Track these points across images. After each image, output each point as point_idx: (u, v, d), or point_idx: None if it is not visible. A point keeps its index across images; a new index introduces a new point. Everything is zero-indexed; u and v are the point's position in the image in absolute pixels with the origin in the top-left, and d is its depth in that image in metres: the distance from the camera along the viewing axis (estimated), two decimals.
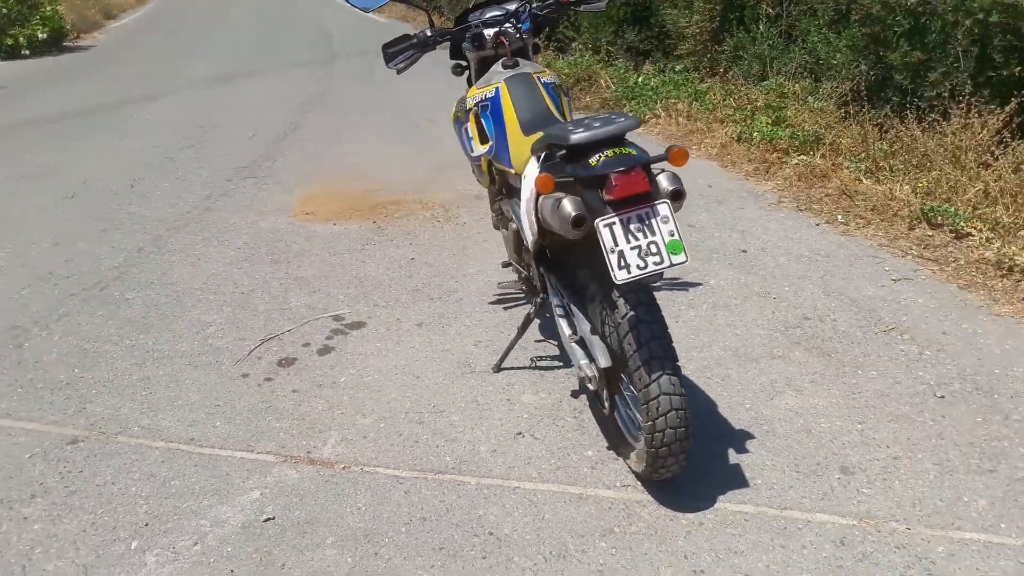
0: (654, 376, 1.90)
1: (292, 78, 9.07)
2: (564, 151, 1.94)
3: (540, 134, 2.20)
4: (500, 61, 2.71)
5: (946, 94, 5.08)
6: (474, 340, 3.01)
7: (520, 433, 2.45)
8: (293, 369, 2.81)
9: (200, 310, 3.24)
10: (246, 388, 2.69)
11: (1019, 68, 4.87)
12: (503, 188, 2.84)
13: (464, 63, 2.87)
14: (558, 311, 2.37)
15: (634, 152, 1.83)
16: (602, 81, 7.11)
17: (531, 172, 2.13)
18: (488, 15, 2.81)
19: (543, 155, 2.06)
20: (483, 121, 2.69)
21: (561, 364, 2.80)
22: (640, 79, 6.86)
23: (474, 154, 2.82)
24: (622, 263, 1.79)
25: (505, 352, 2.79)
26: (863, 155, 4.71)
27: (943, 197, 4.01)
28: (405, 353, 2.92)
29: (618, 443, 2.31)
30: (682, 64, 7.19)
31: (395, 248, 3.92)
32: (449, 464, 2.31)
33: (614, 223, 1.80)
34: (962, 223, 3.73)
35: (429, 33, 2.72)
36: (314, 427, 2.48)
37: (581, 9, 2.79)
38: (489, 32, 2.73)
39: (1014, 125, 4.52)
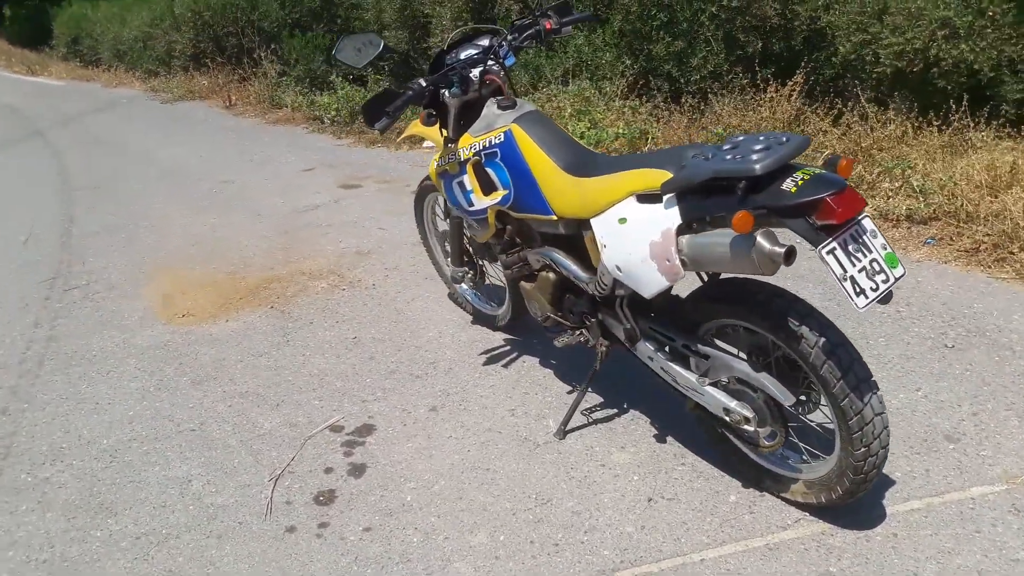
0: (866, 399, 1.81)
1: (6, 164, 7.61)
2: (706, 184, 1.77)
3: (626, 173, 2.00)
4: (495, 102, 2.43)
5: (707, 75, 5.60)
6: (508, 409, 2.70)
7: (651, 499, 2.23)
8: (340, 504, 2.31)
9: (159, 467, 2.54)
10: (307, 546, 2.15)
11: (761, 45, 5.51)
12: (515, 238, 2.56)
13: (434, 112, 2.53)
14: (662, 356, 2.18)
15: (819, 170, 1.71)
16: None
17: (651, 215, 1.91)
18: (464, 54, 2.50)
19: (671, 193, 1.86)
20: (490, 170, 2.40)
21: (616, 410, 2.62)
22: None
23: (475, 207, 2.51)
24: (857, 289, 1.67)
25: (568, 414, 2.54)
26: (704, 142, 5.02)
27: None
28: (449, 446, 2.54)
29: (761, 478, 2.19)
30: None
31: (325, 331, 3.41)
32: (614, 560, 2.03)
33: (835, 248, 1.67)
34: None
35: (424, 83, 2.36)
36: (431, 567, 2.04)
37: (562, 35, 2.59)
38: (475, 73, 2.43)
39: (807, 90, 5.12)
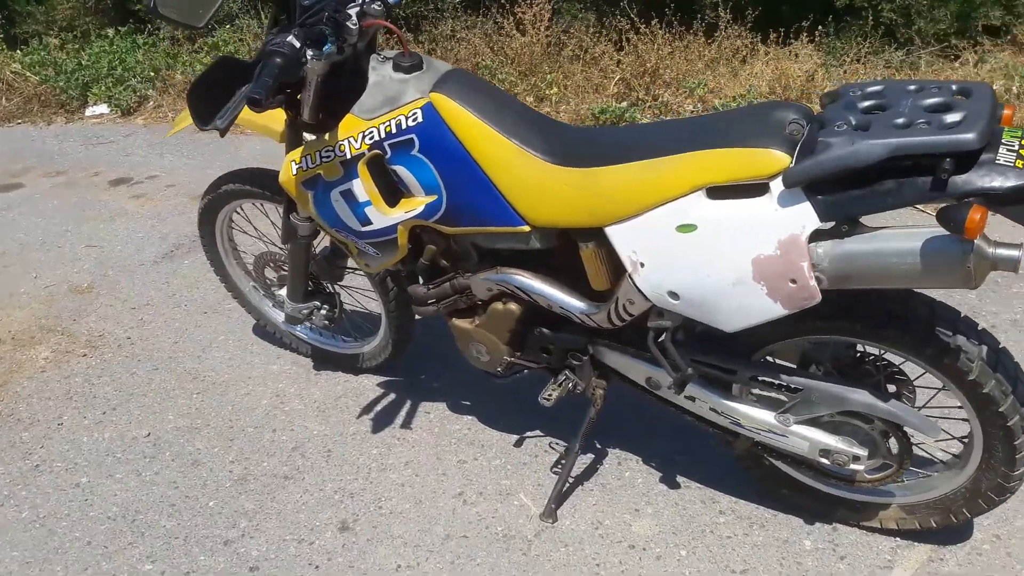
0: None
1: None
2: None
3: (684, 157, 1.34)
4: (389, 63, 1.58)
5: None
6: (454, 495, 1.93)
7: (733, 572, 1.67)
8: None
9: None
10: None
11: None
12: (439, 260, 1.76)
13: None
14: (714, 396, 1.60)
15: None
16: None
17: (755, 218, 1.29)
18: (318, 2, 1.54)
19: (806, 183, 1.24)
20: (401, 168, 1.58)
21: (595, 457, 2.00)
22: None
23: (374, 225, 1.67)
24: None
25: (559, 485, 1.85)
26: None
27: None
28: (430, 565, 1.72)
29: (834, 510, 1.77)
30: None
31: (93, 435, 2.25)
32: None
33: None
34: None
35: (298, 42, 1.40)
36: None
37: None
38: (352, 16, 1.52)
39: None
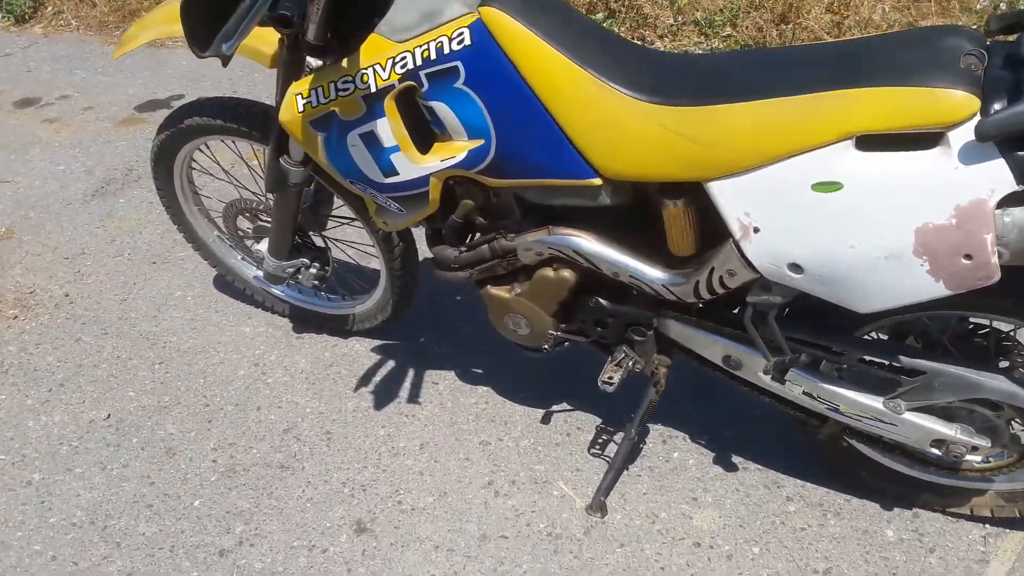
0: None
1: None
2: None
3: (832, 95, 1.07)
4: None
5: None
6: (483, 485, 1.67)
7: (816, 572, 1.48)
8: None
9: None
10: None
11: None
12: (474, 217, 1.45)
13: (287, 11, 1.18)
14: (816, 379, 1.37)
15: None
16: None
17: (922, 177, 1.03)
18: None
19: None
20: (440, 105, 1.25)
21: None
22: None
23: (402, 176, 1.35)
24: None
25: (611, 477, 1.61)
26: None
27: None
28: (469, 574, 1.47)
29: (918, 495, 1.59)
30: None
31: (40, 420, 1.89)
32: None
33: None
34: None
35: None
36: None
37: None
38: None
39: None
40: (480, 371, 1.95)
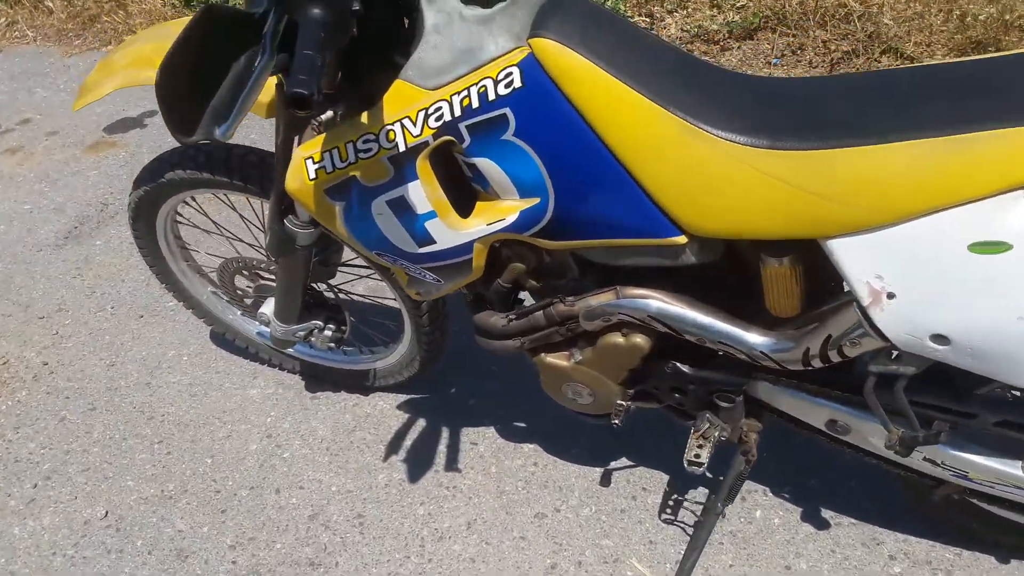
0: None
1: None
2: None
3: (1004, 134, 0.85)
4: None
5: None
6: (550, 571, 1.47)
7: None
8: None
9: None
10: None
11: None
12: (534, 280, 1.24)
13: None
14: (942, 446, 1.17)
15: None
16: None
17: None
18: None
19: None
20: (486, 161, 1.02)
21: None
22: None
23: (440, 245, 1.12)
24: None
25: (690, 562, 1.41)
26: None
27: None
28: None
29: None
30: None
31: (29, 528, 1.66)
32: None
33: None
34: None
35: None
36: None
37: None
38: None
39: None
40: (523, 425, 1.74)
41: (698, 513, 1.52)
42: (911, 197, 0.89)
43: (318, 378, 1.89)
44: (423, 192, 1.07)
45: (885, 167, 0.89)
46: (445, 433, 1.74)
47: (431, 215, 1.10)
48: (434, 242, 1.13)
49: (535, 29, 0.97)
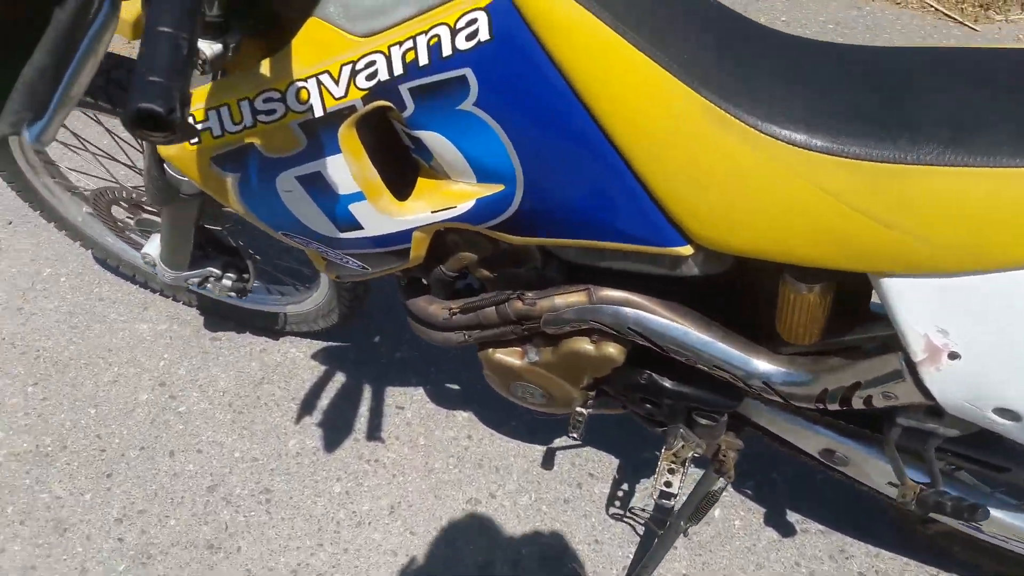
0: None
1: None
2: None
3: None
4: None
5: None
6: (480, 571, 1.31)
7: None
8: None
9: None
10: None
11: None
12: (485, 269, 0.99)
13: None
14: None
15: None
16: None
17: None
18: None
19: None
20: (435, 136, 0.75)
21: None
22: None
23: (379, 229, 0.85)
24: None
25: (639, 572, 1.26)
26: None
27: None
28: None
29: None
30: None
31: None
32: None
33: None
34: None
35: None
36: None
37: None
38: None
39: None
40: (456, 387, 1.54)
41: (650, 509, 1.36)
42: (1012, 243, 0.66)
43: (220, 315, 1.62)
44: (347, 168, 0.79)
45: (988, 199, 0.66)
46: (367, 393, 1.52)
47: (357, 196, 0.82)
48: (360, 228, 0.86)
49: None
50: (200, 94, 0.78)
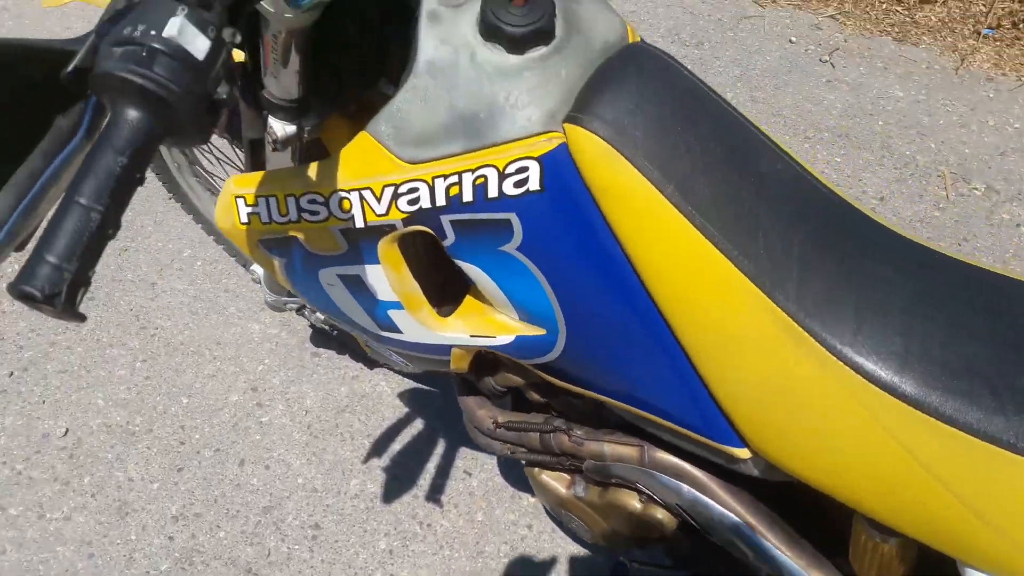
0: None
1: None
2: None
3: None
4: (469, 8, 0.57)
5: None
6: None
7: None
8: None
9: None
10: None
11: None
12: (537, 394, 0.88)
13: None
14: None
15: None
16: None
17: None
18: None
19: None
20: (475, 269, 0.63)
21: None
22: None
23: (417, 337, 0.76)
24: None
25: None
26: None
27: None
28: None
29: None
30: None
31: None
32: None
33: None
34: None
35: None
36: None
37: None
38: None
39: None
40: None
41: None
42: None
43: (325, 334, 1.62)
44: (385, 280, 0.73)
45: None
46: (440, 447, 1.47)
47: (396, 304, 0.76)
48: (400, 332, 0.79)
49: (580, 107, 0.57)
50: (252, 179, 0.75)
